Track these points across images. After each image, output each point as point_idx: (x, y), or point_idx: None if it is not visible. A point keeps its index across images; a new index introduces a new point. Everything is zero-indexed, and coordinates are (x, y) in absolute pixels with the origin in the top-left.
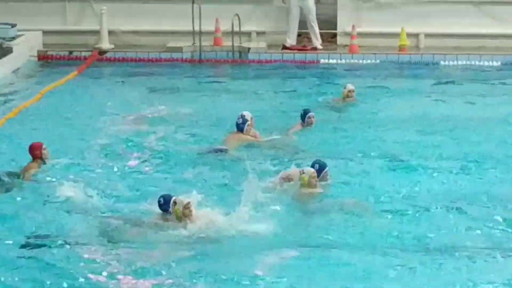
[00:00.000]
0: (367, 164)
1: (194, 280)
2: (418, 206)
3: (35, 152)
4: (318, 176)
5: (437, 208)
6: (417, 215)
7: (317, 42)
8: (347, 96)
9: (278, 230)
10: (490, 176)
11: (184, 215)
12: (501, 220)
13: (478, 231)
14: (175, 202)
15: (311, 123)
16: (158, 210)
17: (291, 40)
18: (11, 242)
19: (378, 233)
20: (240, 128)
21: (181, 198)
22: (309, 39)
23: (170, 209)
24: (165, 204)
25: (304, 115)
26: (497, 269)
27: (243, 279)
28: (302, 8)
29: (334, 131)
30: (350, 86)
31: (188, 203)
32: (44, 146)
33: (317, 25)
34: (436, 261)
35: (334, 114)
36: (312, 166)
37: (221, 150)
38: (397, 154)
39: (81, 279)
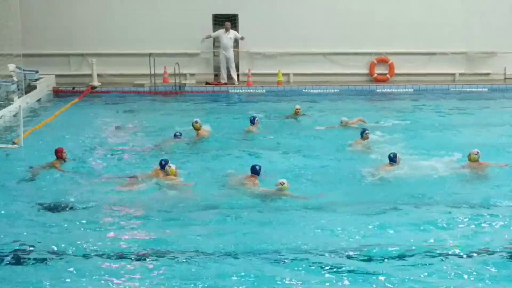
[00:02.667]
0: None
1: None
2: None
3: (58, 154)
4: (259, 173)
5: None
6: None
7: (235, 78)
8: (296, 113)
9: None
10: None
11: (176, 173)
12: None
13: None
14: (169, 166)
15: (257, 124)
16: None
17: (223, 79)
18: (42, 201)
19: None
20: (176, 136)
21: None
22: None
23: (167, 168)
24: (165, 164)
25: (253, 119)
26: None
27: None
28: (226, 58)
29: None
30: (297, 106)
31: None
32: (64, 150)
33: (235, 68)
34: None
35: (284, 123)
36: (253, 167)
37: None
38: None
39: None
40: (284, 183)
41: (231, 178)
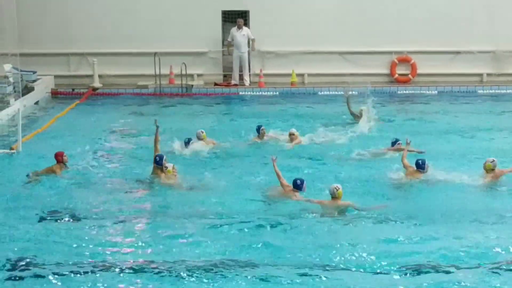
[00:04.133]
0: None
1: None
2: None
3: (58, 157)
4: (301, 188)
5: None
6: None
7: (248, 80)
8: (361, 115)
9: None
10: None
11: (174, 172)
12: None
13: None
14: (166, 167)
15: (264, 134)
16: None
17: (234, 80)
18: (42, 210)
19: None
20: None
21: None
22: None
23: (164, 165)
24: (160, 160)
25: (258, 129)
26: None
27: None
28: (240, 57)
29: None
30: (362, 107)
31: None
32: (65, 154)
33: (248, 68)
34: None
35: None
36: (295, 182)
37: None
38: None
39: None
40: (339, 188)
41: (271, 191)
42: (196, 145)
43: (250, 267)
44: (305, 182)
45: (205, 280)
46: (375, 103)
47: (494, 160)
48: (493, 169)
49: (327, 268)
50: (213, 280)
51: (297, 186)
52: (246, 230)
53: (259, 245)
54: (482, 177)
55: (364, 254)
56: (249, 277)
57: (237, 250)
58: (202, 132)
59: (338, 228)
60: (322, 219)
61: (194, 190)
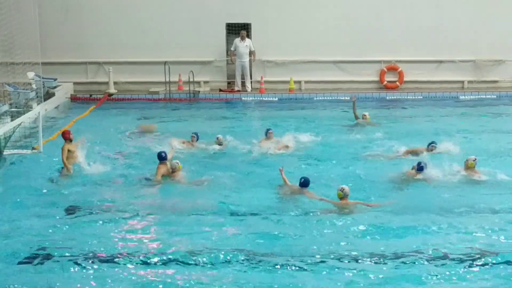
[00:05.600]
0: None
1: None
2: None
3: (66, 135)
4: (307, 185)
5: None
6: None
7: (249, 87)
8: (363, 119)
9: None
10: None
11: (179, 168)
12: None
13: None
14: (177, 162)
15: (271, 137)
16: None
17: (237, 86)
18: (59, 205)
19: None
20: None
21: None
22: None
23: (168, 162)
24: (165, 156)
25: (266, 131)
26: None
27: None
28: (242, 66)
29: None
30: (364, 112)
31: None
32: (71, 132)
33: (249, 76)
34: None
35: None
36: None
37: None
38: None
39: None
40: (344, 189)
41: (282, 189)
42: (198, 143)
43: (260, 262)
44: (309, 179)
45: (217, 273)
46: (373, 108)
47: (475, 159)
48: (473, 167)
49: (340, 260)
50: (224, 273)
51: (304, 184)
52: (256, 225)
53: (271, 240)
54: (462, 173)
55: (373, 247)
56: (259, 270)
57: (247, 243)
58: (221, 138)
59: (348, 224)
60: (334, 216)
61: (201, 187)
